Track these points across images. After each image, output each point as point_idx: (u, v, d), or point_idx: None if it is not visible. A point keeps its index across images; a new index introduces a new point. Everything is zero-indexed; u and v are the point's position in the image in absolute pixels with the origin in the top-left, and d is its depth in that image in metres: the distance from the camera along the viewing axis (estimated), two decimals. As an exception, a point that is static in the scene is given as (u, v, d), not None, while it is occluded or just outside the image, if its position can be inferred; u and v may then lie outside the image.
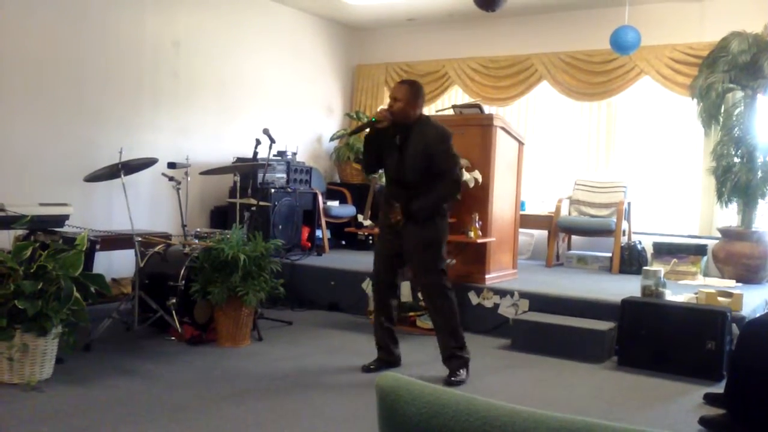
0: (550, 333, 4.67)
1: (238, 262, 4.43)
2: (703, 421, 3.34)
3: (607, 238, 6.73)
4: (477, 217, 5.16)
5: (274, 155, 6.52)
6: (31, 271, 3.59)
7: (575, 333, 4.59)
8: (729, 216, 6.41)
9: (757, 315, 4.33)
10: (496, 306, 5.19)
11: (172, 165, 5.30)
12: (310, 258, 6.56)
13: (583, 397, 3.82)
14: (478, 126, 5.42)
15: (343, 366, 4.23)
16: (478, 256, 5.39)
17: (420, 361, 4.30)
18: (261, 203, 5.35)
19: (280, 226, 6.51)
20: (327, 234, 7.21)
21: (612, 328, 4.60)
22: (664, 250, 6.44)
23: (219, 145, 6.79)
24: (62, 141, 5.51)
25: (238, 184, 5.24)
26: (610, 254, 6.65)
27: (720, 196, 6.15)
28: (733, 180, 6.02)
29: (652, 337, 4.35)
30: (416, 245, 3.96)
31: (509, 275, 5.74)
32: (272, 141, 5.16)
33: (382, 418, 1.18)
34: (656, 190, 7.16)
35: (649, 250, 6.57)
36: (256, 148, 5.33)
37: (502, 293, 5.21)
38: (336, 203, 7.51)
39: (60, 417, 3.21)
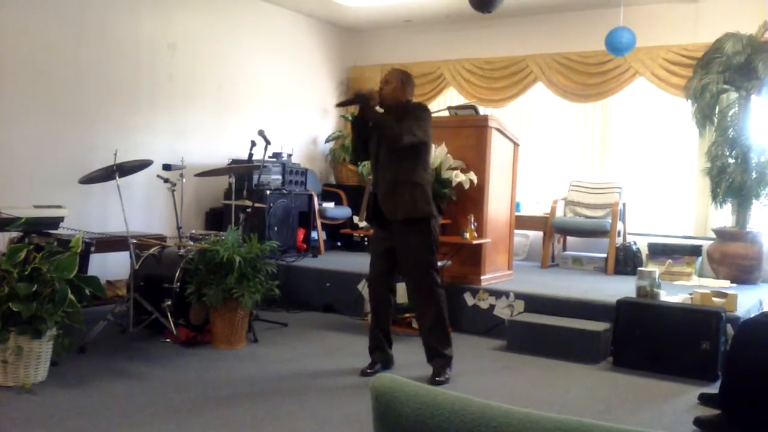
0: (545, 334, 4.67)
1: (233, 264, 4.42)
2: (698, 421, 3.35)
3: (602, 239, 6.73)
4: (472, 218, 5.16)
5: (270, 157, 6.52)
6: (26, 273, 3.58)
7: (570, 334, 4.60)
8: (723, 217, 6.42)
9: (752, 315, 4.32)
10: (492, 307, 5.20)
11: (167, 167, 5.30)
12: (305, 259, 6.56)
13: (579, 397, 3.83)
14: (473, 127, 5.43)
15: (338, 368, 4.23)
16: (473, 257, 5.40)
17: (415, 362, 4.30)
18: (256, 205, 5.34)
19: (276, 228, 6.50)
20: (322, 235, 7.20)
21: (607, 329, 4.61)
22: (659, 251, 6.46)
23: (214, 147, 6.78)
24: (57, 143, 5.49)
25: (234, 186, 5.24)
26: (605, 255, 6.65)
27: (714, 196, 6.17)
28: (727, 181, 6.04)
29: (647, 338, 4.36)
30: (408, 245, 3.96)
31: (505, 276, 5.75)
32: (267, 142, 5.16)
33: (377, 419, 1.18)
34: (651, 191, 7.17)
35: (644, 251, 6.58)
36: (251, 149, 5.32)
37: (497, 294, 5.22)
38: (331, 205, 7.51)
39: (55, 420, 3.20)
